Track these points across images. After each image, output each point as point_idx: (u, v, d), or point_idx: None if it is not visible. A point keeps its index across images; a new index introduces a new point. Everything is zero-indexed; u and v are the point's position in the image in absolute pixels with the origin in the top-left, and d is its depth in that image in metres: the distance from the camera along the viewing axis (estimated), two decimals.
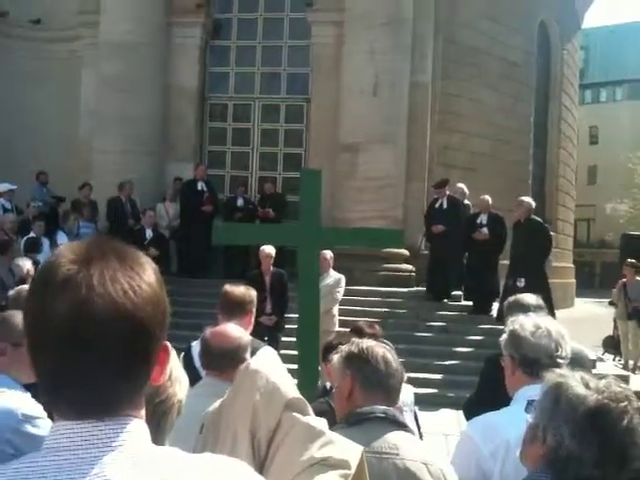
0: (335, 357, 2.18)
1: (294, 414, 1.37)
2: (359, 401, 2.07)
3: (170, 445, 1.03)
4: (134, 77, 12.44)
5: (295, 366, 4.69)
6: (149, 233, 10.62)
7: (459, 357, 9.58)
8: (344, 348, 2.17)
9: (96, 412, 0.94)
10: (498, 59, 14.63)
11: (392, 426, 2.04)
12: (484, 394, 3.19)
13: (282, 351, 8.06)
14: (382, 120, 11.86)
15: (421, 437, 3.25)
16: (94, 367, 0.92)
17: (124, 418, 0.96)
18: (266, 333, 8.24)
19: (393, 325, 10.15)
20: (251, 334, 3.61)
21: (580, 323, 13.57)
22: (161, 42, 12.97)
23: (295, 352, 5.15)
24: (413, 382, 8.15)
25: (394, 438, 2.02)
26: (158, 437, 1.44)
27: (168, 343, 1.03)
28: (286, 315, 8.56)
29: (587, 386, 1.59)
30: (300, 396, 1.42)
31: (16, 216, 11.31)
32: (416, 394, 8.29)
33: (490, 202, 10.69)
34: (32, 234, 10.23)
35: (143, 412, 1.01)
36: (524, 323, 2.33)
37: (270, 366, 1.49)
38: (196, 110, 13.37)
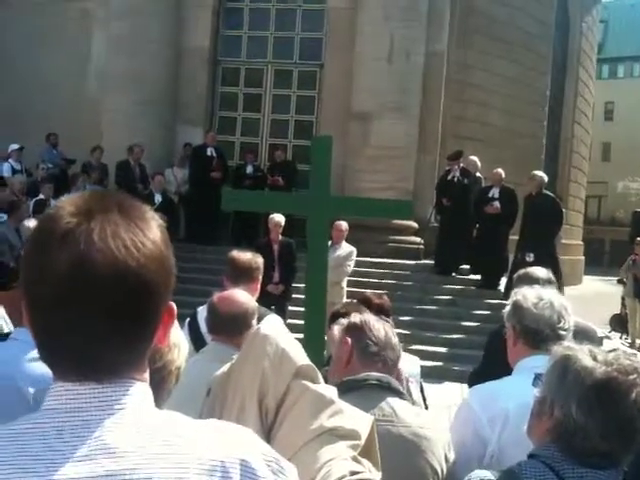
0: (335, 327, 2.16)
1: (304, 381, 1.33)
2: (356, 369, 2.06)
3: (172, 410, 0.99)
4: (145, 37, 12.30)
5: (302, 335, 4.68)
6: (158, 198, 10.57)
7: (465, 331, 9.57)
8: (344, 320, 2.16)
9: (96, 374, 0.90)
10: (516, 30, 14.37)
11: (387, 393, 2.03)
12: (488, 367, 3.19)
13: (289, 320, 8.08)
14: (396, 89, 11.71)
15: (427, 408, 3.24)
16: (93, 326, 0.87)
17: (126, 381, 0.92)
18: (273, 302, 8.24)
19: (400, 297, 10.13)
20: (258, 302, 3.59)
21: (588, 301, 13.54)
22: (174, 3, 12.79)
23: (302, 322, 5.15)
24: (419, 354, 8.16)
25: (389, 405, 2.00)
26: (156, 404, 1.40)
27: (173, 304, 0.98)
28: (294, 284, 8.55)
29: (595, 359, 1.57)
30: (310, 363, 1.38)
31: (25, 177, 11.29)
32: (422, 367, 8.31)
33: (503, 175, 10.58)
34: (41, 196, 10.22)
35: (147, 375, 0.97)
36: (527, 294, 2.32)
37: (280, 332, 1.44)
38: (208, 74, 13.22)
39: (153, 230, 0.93)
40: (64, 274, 0.86)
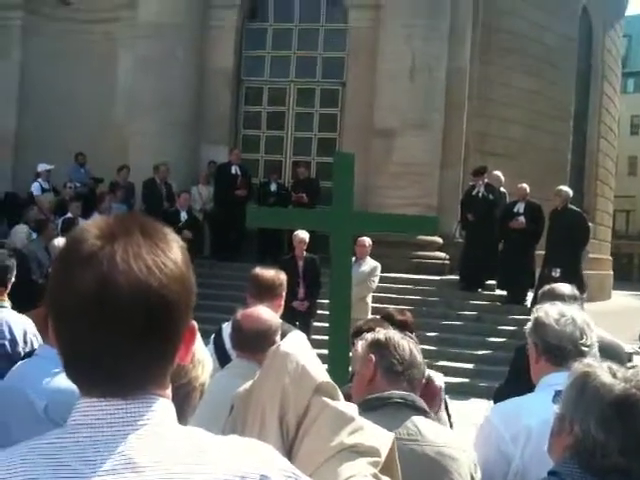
0: (359, 343, 2.15)
1: (323, 398, 1.34)
2: (380, 387, 2.05)
3: (196, 426, 1.01)
4: (170, 59, 12.49)
5: (326, 352, 4.69)
6: (183, 215, 10.69)
7: (491, 347, 9.48)
8: (368, 336, 2.15)
9: (121, 390, 0.93)
10: (538, 45, 14.34)
11: (411, 411, 2.01)
12: (514, 383, 3.16)
13: (314, 336, 8.08)
14: (418, 105, 11.73)
15: (451, 426, 3.21)
16: (117, 345, 0.90)
17: (149, 397, 0.94)
18: (298, 318, 8.26)
19: (425, 313, 10.09)
20: (283, 319, 3.61)
21: (617, 316, 13.33)
22: (198, 24, 12.98)
23: (327, 337, 5.15)
24: (444, 371, 8.09)
25: (413, 423, 1.99)
26: (180, 420, 1.42)
27: (195, 323, 1.01)
28: (318, 300, 8.56)
29: (614, 376, 1.56)
30: (330, 380, 1.39)
31: (53, 196, 11.49)
32: (447, 383, 8.22)
33: (528, 190, 10.52)
34: (69, 214, 10.38)
35: (169, 392, 0.99)
36: (549, 310, 2.30)
37: (300, 349, 1.46)
38: (231, 93, 13.37)
39: (174, 251, 0.95)
40: (88, 295, 0.89)
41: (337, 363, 4.32)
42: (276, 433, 1.33)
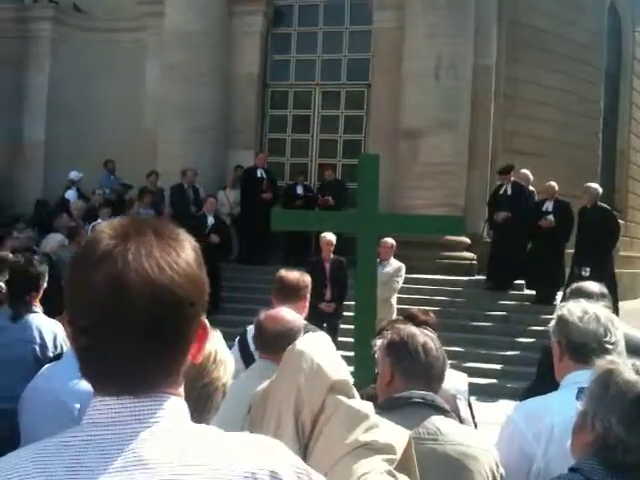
0: (378, 342, 2.15)
1: (338, 396, 1.35)
2: (399, 388, 2.04)
3: (216, 425, 1.03)
4: (197, 66, 12.61)
5: (352, 353, 4.68)
6: (211, 220, 10.76)
7: (520, 348, 9.37)
8: (386, 334, 2.14)
9: (133, 388, 0.95)
10: (566, 41, 14.14)
11: (431, 411, 2.01)
12: (540, 383, 3.13)
13: (340, 338, 8.09)
14: (444, 105, 11.66)
15: (475, 426, 3.19)
16: (129, 342, 0.92)
17: (161, 395, 0.96)
18: (325, 320, 8.27)
19: (453, 314, 10.02)
20: (310, 320, 3.63)
21: None
22: (223, 30, 13.09)
23: (353, 340, 5.14)
24: (472, 372, 8.08)
25: (433, 423, 1.98)
26: (203, 420, 1.44)
27: (206, 321, 1.02)
28: (345, 302, 8.56)
29: (638, 372, 1.54)
30: (345, 378, 1.40)
31: (83, 203, 11.66)
32: (475, 384, 8.21)
33: (556, 188, 10.39)
34: (99, 220, 10.52)
35: (181, 390, 1.01)
36: (572, 308, 2.27)
37: (316, 348, 1.47)
38: (257, 98, 13.45)
39: (186, 250, 0.97)
40: (102, 292, 0.91)
41: (362, 364, 4.31)
42: (292, 431, 1.34)
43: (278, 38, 13.76)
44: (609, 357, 1.78)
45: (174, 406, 0.97)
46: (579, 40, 14.53)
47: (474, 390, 7.30)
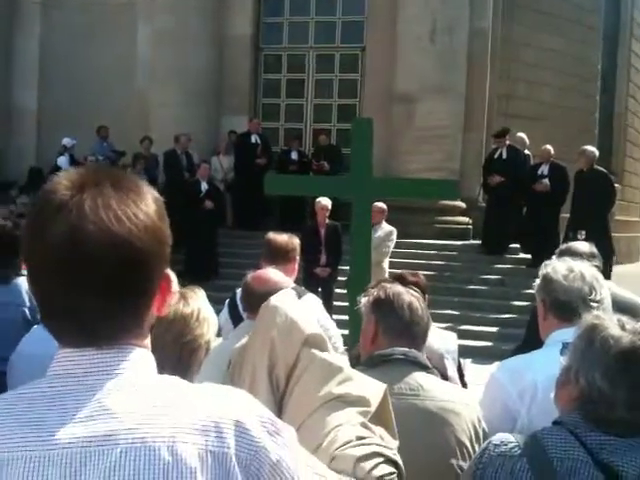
0: (363, 300, 2.15)
1: (312, 350, 1.35)
2: (382, 345, 2.05)
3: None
4: (189, 29, 12.43)
5: (347, 317, 4.70)
6: (204, 186, 10.72)
7: (515, 311, 9.42)
8: (372, 292, 2.14)
9: (96, 340, 0.94)
10: (563, 2, 13.95)
11: (414, 367, 2.02)
12: (528, 344, 3.14)
13: (335, 302, 8.12)
14: (439, 69, 11.54)
15: (465, 386, 3.21)
16: (88, 294, 0.91)
17: (125, 347, 0.95)
18: (320, 284, 8.30)
19: (448, 278, 10.06)
20: (305, 285, 3.65)
21: None
22: None
23: (348, 304, 5.15)
24: (467, 335, 8.16)
25: (415, 379, 1.99)
26: (186, 376, 1.44)
27: (170, 273, 1.01)
28: (340, 267, 8.58)
29: (623, 328, 1.53)
30: (319, 332, 1.39)
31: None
32: (471, 346, 8.26)
33: (552, 152, 10.34)
34: None
35: (147, 342, 1.00)
36: (557, 266, 2.26)
37: (291, 303, 1.46)
38: (250, 61, 13.29)
39: (147, 202, 0.95)
40: (59, 244, 0.90)
41: (357, 327, 4.33)
42: (266, 385, 1.34)
43: (271, 0, 13.54)
44: (595, 312, 1.77)
45: (139, 357, 0.96)
46: (576, 1, 14.33)
47: (470, 352, 7.38)
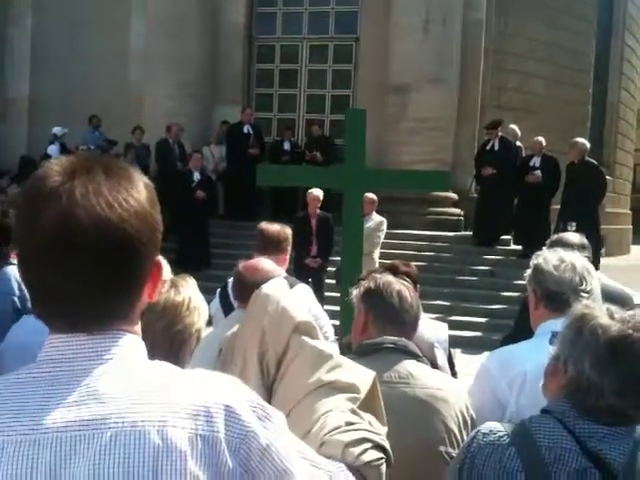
0: (354, 291, 2.16)
1: (302, 337, 1.36)
2: (373, 334, 2.07)
3: None
4: (182, 18, 12.36)
5: (338, 308, 4.71)
6: (196, 176, 10.69)
7: (505, 301, 9.46)
8: (363, 283, 2.15)
9: (86, 325, 0.94)
10: None
11: (403, 356, 2.03)
12: (519, 333, 3.15)
13: (326, 293, 8.14)
14: (433, 60, 11.53)
15: (455, 375, 3.23)
16: (79, 279, 0.91)
17: (116, 332, 0.96)
18: (310, 275, 8.31)
19: (439, 269, 10.10)
20: (296, 275, 3.65)
21: (636, 270, 13.20)
22: None
23: (338, 294, 5.16)
24: (458, 325, 8.19)
25: (405, 367, 2.01)
26: (177, 365, 1.45)
27: (161, 259, 1.01)
28: (331, 258, 8.59)
29: (612, 317, 1.54)
30: (309, 320, 1.41)
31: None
32: (461, 337, 8.29)
33: (544, 144, 10.36)
34: None
35: (138, 328, 1.01)
36: (548, 257, 2.27)
37: (282, 291, 1.47)
38: (243, 51, 13.24)
39: (138, 188, 0.96)
40: (50, 229, 0.90)
41: (349, 317, 4.35)
42: (256, 373, 1.35)
43: None
44: (584, 302, 1.78)
45: (129, 343, 0.97)
46: None
47: (460, 343, 7.42)
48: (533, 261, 2.34)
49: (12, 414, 0.90)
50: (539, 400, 1.73)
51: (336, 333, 3.80)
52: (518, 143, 11.10)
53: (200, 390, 0.94)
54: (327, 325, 3.48)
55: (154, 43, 12.56)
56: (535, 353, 2.07)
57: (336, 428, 1.19)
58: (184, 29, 12.37)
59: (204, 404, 0.92)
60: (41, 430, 0.89)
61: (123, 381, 0.92)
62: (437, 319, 4.35)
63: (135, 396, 0.91)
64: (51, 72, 13.37)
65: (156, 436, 0.89)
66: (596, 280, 2.32)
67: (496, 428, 1.59)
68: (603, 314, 1.59)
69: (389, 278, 2.16)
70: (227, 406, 0.94)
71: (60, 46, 13.35)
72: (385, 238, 9.03)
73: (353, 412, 1.24)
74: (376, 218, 8.77)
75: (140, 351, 0.98)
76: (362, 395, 1.28)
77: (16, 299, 3.57)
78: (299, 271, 7.94)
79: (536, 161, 10.33)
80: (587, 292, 2.22)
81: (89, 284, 0.92)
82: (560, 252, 2.35)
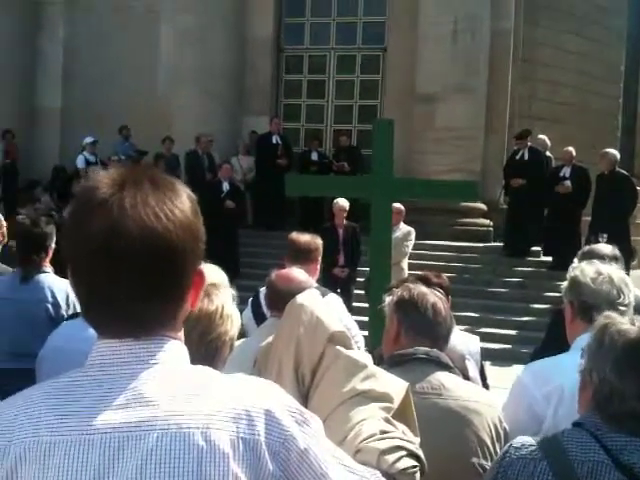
0: (387, 299, 2.16)
1: (337, 347, 1.37)
2: (404, 344, 2.07)
3: None
4: (210, 30, 12.51)
5: (366, 318, 4.71)
6: (226, 186, 10.78)
7: (535, 313, 9.37)
8: (396, 292, 2.15)
9: (133, 331, 0.98)
10: (585, 3, 13.84)
11: (435, 367, 2.03)
12: (548, 346, 3.12)
13: (354, 303, 8.13)
14: (461, 69, 11.50)
15: (486, 388, 3.21)
16: (126, 287, 0.94)
17: (161, 338, 0.99)
18: (339, 285, 8.31)
19: (469, 280, 10.03)
20: (324, 286, 3.67)
21: None
22: None
23: (367, 305, 5.16)
24: (487, 337, 8.11)
25: (437, 378, 2.00)
26: None
27: (203, 269, 1.04)
28: (359, 268, 8.59)
29: (632, 323, 1.53)
30: (344, 330, 1.42)
31: (100, 169, 11.70)
32: (490, 349, 8.20)
33: (574, 154, 10.26)
34: None
35: (181, 334, 1.04)
36: (585, 269, 2.25)
37: (316, 301, 1.48)
38: (272, 62, 13.36)
39: (182, 199, 0.99)
40: (99, 238, 0.94)
41: (377, 327, 4.34)
42: (292, 381, 1.37)
43: (292, 1, 13.59)
44: (606, 313, 1.76)
45: (173, 348, 1.00)
46: (599, 3, 14.21)
47: (489, 355, 7.35)
48: (570, 273, 2.32)
49: (63, 415, 0.93)
50: (576, 414, 1.71)
51: (365, 344, 3.80)
52: (548, 153, 11.02)
53: (241, 394, 0.97)
54: (358, 335, 3.49)
55: (183, 54, 12.72)
56: (572, 367, 2.04)
57: (371, 436, 1.20)
58: (212, 40, 12.52)
59: (245, 407, 0.95)
60: (90, 431, 0.92)
61: (168, 385, 0.95)
62: (466, 331, 4.32)
63: (180, 399, 0.94)
64: (82, 83, 13.59)
65: (200, 438, 0.91)
66: (633, 293, 2.29)
67: (528, 442, 1.59)
68: (624, 322, 1.58)
69: (423, 289, 2.16)
70: (267, 410, 0.96)
71: (90, 57, 13.57)
72: (413, 249, 9.00)
73: (387, 421, 1.25)
74: (404, 228, 8.76)
75: (183, 356, 1.01)
76: (396, 405, 1.29)
77: (50, 306, 3.63)
78: (328, 281, 7.95)
79: (566, 171, 10.24)
80: (624, 305, 2.19)
81: (136, 292, 0.95)
82: (597, 264, 2.32)
